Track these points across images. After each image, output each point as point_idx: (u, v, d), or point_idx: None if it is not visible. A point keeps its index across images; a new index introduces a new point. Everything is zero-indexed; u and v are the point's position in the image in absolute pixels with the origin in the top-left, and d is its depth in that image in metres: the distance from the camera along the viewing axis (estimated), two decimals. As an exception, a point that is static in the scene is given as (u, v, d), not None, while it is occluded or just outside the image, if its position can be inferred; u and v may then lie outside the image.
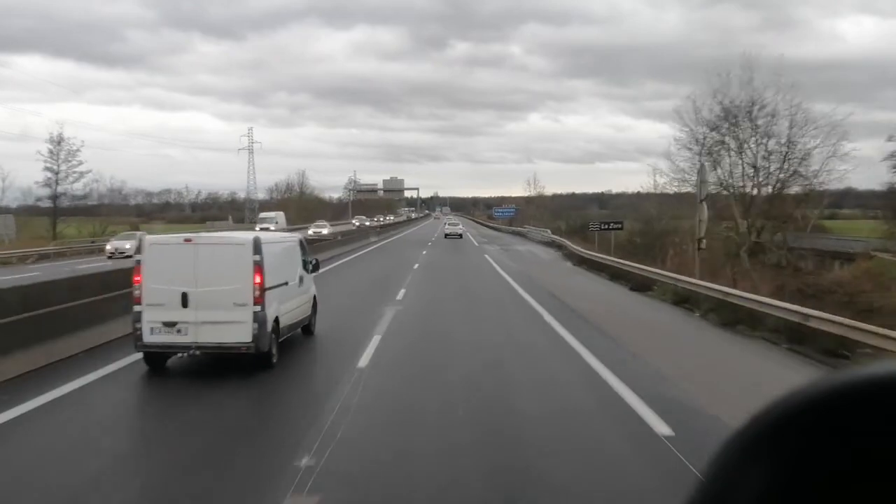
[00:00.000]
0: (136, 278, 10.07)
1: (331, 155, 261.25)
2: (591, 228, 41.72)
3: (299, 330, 12.44)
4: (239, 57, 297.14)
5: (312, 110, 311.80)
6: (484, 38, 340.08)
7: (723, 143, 34.68)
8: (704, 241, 20.08)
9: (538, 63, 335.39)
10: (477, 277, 26.90)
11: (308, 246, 14.09)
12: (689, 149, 36.23)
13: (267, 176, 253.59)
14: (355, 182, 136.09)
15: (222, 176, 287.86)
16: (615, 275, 26.27)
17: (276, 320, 10.55)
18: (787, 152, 33.01)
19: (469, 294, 21.06)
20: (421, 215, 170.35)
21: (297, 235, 14.93)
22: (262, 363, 10.12)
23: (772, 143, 33.37)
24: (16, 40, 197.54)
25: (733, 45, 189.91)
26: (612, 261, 28.40)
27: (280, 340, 10.79)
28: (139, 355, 10.26)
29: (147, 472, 6.48)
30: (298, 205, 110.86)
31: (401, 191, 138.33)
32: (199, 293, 9.89)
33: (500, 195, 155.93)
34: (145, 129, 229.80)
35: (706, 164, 25.93)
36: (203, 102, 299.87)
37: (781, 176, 33.45)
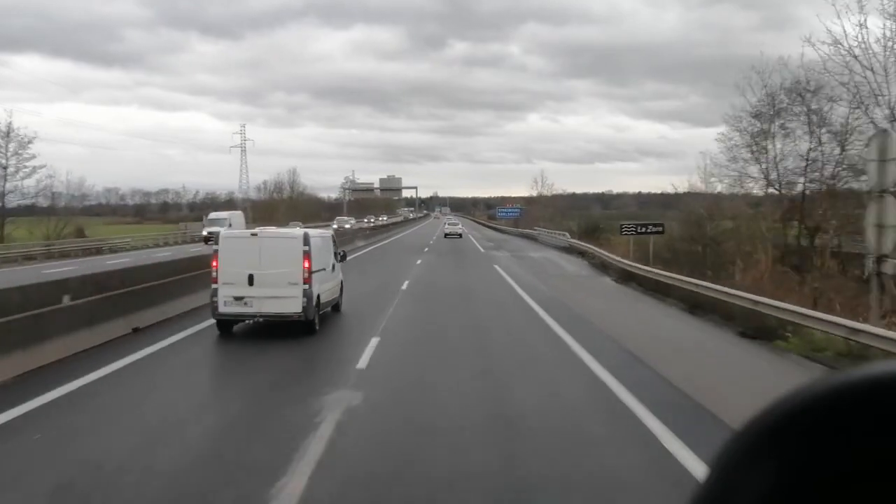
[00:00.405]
0: (214, 263, 13.03)
1: (330, 155, 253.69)
2: (624, 231, 33.68)
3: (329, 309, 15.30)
4: (237, 56, 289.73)
5: (311, 110, 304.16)
6: (482, 38, 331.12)
7: (768, 132, 30.04)
8: (893, 261, 11.46)
9: (537, 63, 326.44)
10: (491, 309, 18.26)
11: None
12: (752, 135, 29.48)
13: (265, 176, 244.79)
14: (352, 181, 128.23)
15: (221, 176, 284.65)
16: (695, 303, 17.89)
17: (318, 297, 13.52)
18: (844, 140, 28.02)
19: (484, 349, 12.66)
20: (420, 215, 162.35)
21: (330, 232, 17.80)
22: (308, 329, 13.06)
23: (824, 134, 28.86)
24: (14, 39, 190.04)
25: (733, 44, 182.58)
26: (681, 280, 19.92)
27: (319, 313, 13.74)
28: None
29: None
30: (288, 204, 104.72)
31: (398, 190, 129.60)
32: (261, 274, 12.80)
33: (500, 195, 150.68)
34: (143, 128, 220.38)
35: (890, 130, 17.14)
36: (201, 102, 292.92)
37: (837, 170, 28.51)
